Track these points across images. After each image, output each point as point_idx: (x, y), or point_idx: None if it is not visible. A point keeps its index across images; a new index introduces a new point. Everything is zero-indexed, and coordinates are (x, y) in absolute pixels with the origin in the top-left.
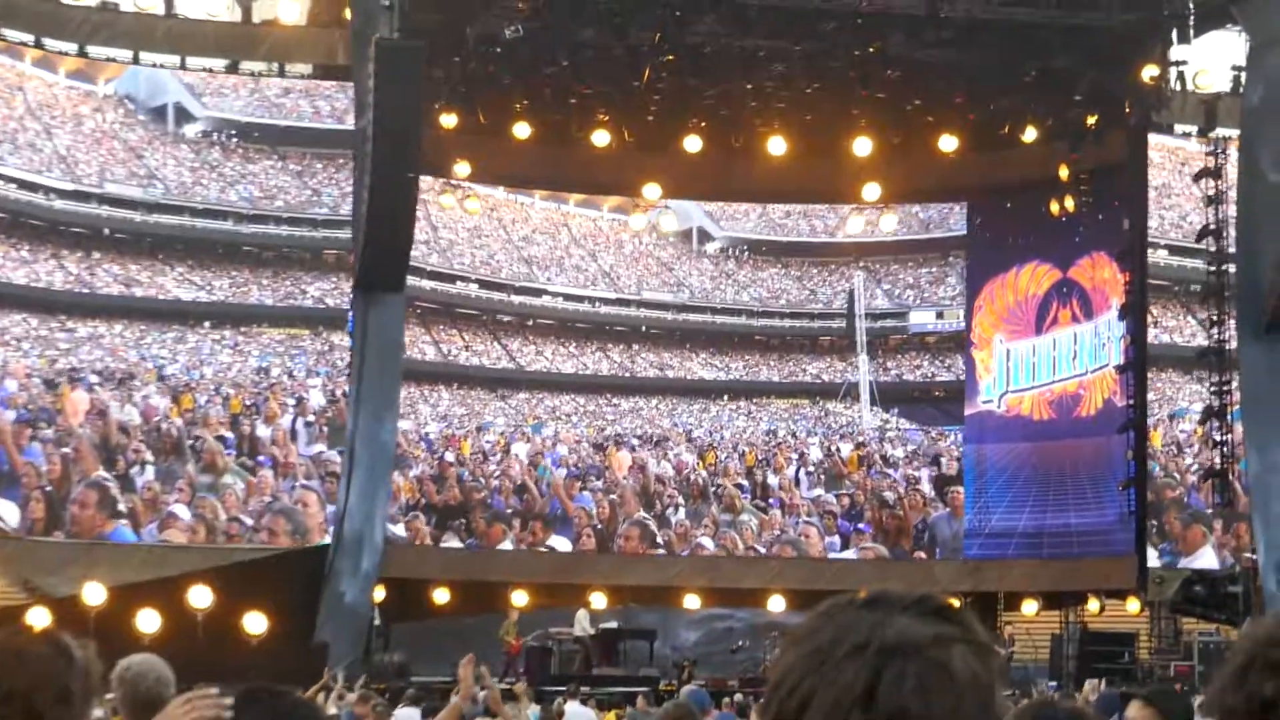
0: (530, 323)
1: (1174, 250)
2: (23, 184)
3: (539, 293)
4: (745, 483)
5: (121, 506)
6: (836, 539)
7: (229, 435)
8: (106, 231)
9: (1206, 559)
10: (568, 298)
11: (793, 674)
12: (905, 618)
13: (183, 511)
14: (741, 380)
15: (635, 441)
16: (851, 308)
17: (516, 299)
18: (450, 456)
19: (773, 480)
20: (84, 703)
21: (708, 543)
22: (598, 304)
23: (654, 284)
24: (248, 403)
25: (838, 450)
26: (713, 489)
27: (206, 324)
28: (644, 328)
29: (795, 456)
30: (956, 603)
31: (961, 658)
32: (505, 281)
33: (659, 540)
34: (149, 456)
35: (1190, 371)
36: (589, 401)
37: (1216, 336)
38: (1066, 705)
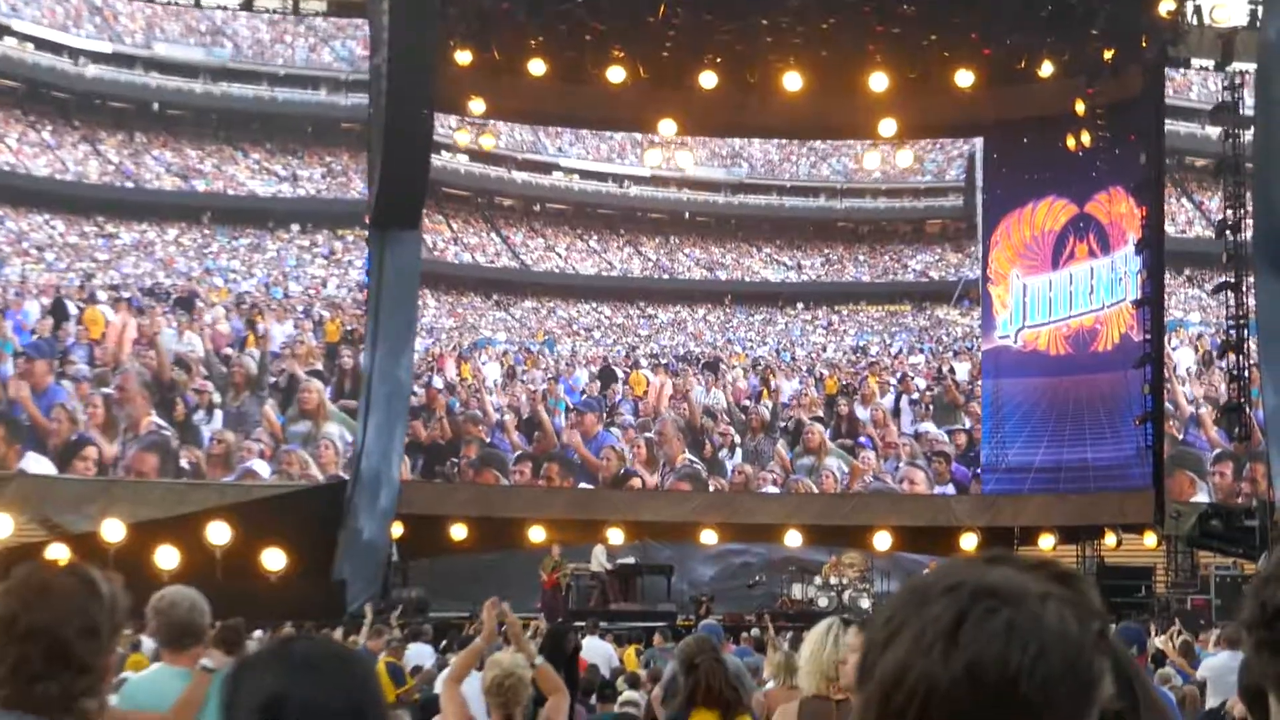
0: (538, 208)
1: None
2: (44, 44)
3: (549, 168)
4: (824, 415)
5: (184, 463)
6: (951, 487)
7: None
8: (156, 107)
9: None
10: (585, 175)
11: (890, 605)
12: (1015, 570)
13: (262, 468)
14: (819, 282)
15: (677, 363)
16: (970, 179)
17: (519, 176)
18: (438, 382)
19: (862, 413)
20: (111, 636)
21: (773, 491)
22: (626, 183)
23: (700, 155)
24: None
25: (951, 372)
26: (781, 423)
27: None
28: (687, 214)
29: (894, 381)
30: (1077, 571)
31: (1057, 613)
32: (504, 153)
33: (712, 490)
34: (215, 396)
35: (1181, 270)
36: (616, 312)
37: (1234, 270)
38: None
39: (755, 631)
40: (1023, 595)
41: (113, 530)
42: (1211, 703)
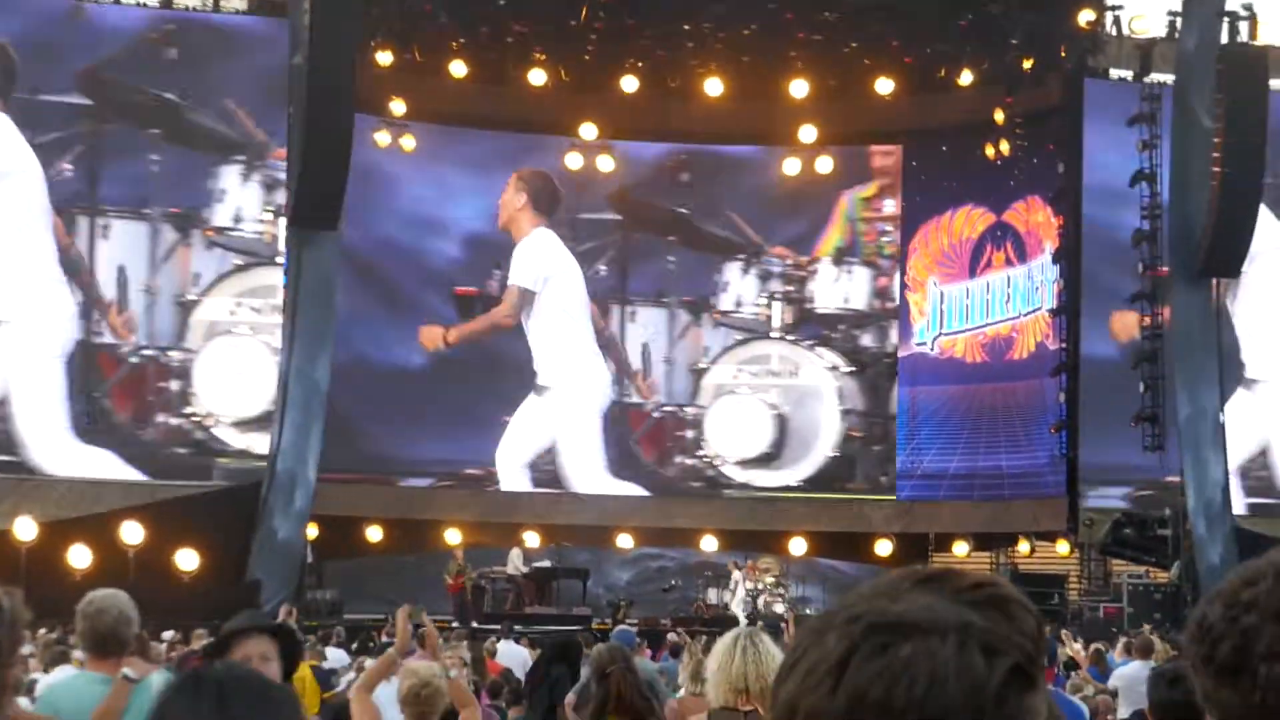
0: None
1: None
2: None
3: None
4: None
5: None
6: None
7: None
8: None
9: None
10: None
11: (799, 634)
12: (936, 598)
13: None
14: None
15: None
16: None
17: None
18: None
19: None
20: (10, 652)
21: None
22: None
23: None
24: None
25: None
26: None
27: None
28: None
29: None
30: (1019, 597)
31: (960, 649)
32: None
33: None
34: None
35: None
36: None
37: (1149, 280)
38: None
39: (673, 636)
40: (923, 629)
41: (25, 529)
42: (1123, 712)
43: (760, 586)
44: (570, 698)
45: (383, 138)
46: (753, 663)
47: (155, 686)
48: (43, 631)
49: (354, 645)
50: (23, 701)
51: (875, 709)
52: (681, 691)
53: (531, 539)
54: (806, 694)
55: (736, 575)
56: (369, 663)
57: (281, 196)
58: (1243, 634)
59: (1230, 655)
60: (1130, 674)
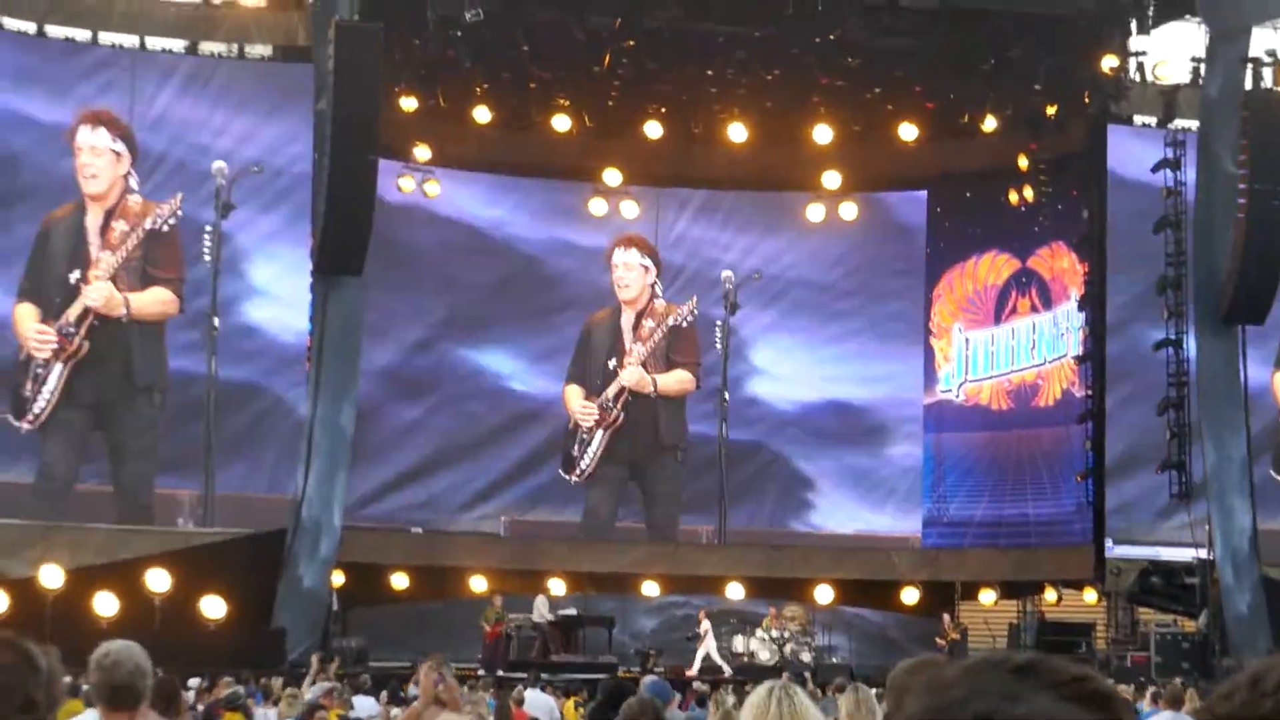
0: None
1: None
2: None
3: None
4: None
5: None
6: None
7: None
8: None
9: None
10: None
11: None
12: (1048, 695)
13: None
14: None
15: None
16: None
17: None
18: None
19: None
20: (48, 710)
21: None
22: None
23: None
24: None
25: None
26: None
27: None
28: None
29: None
30: (1114, 691)
31: None
32: None
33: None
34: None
35: None
36: None
37: (1175, 327)
38: None
39: (699, 685)
40: None
41: (51, 576)
42: None
43: (786, 635)
44: None
45: (407, 183)
46: (788, 715)
47: None
48: (66, 679)
49: (383, 694)
50: None
51: None
52: None
53: (557, 586)
54: None
55: (705, 625)
56: (396, 713)
57: None
58: None
59: None
60: None
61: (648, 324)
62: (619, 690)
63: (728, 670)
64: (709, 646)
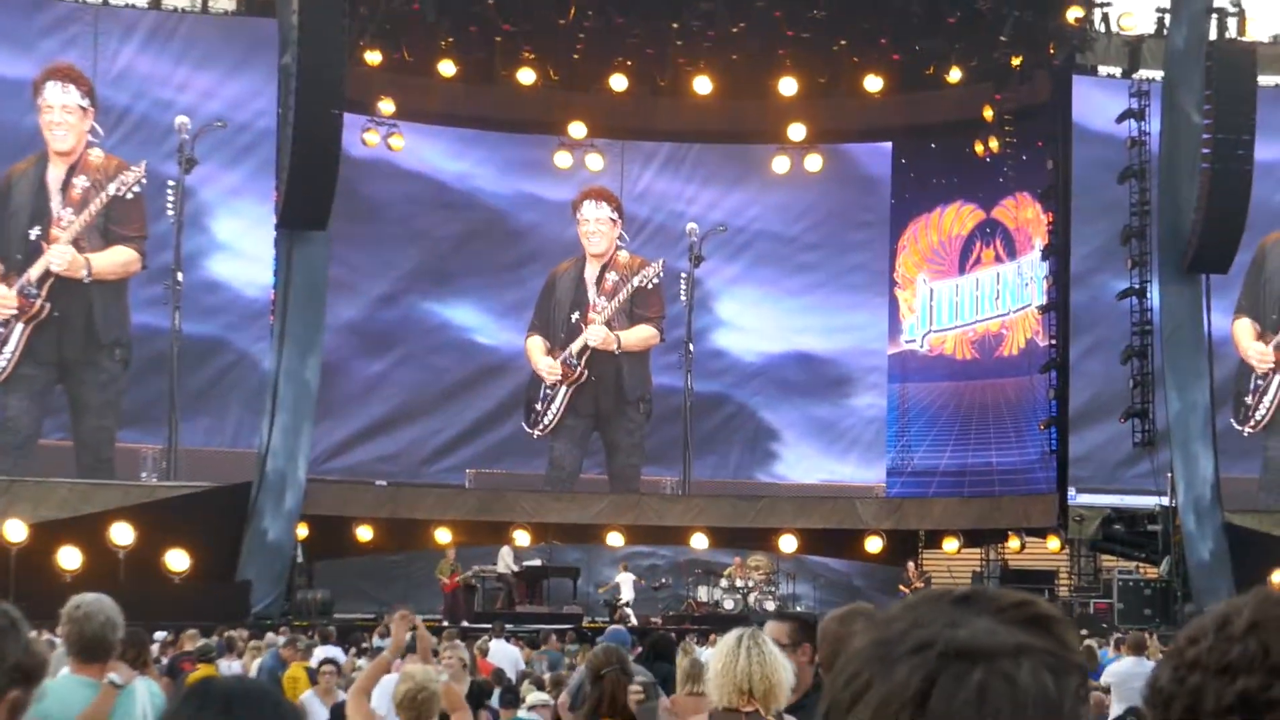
0: None
1: None
2: None
3: None
4: None
5: None
6: None
7: None
8: None
9: None
10: None
11: (854, 662)
12: (989, 620)
13: None
14: None
15: None
16: None
17: None
18: None
19: None
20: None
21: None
22: None
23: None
24: None
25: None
26: None
27: None
28: None
29: None
30: (1056, 613)
31: (1033, 672)
32: None
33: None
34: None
35: None
36: None
37: (1139, 276)
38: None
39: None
40: (995, 654)
41: (15, 530)
42: (1116, 710)
43: (750, 584)
44: (563, 698)
45: (372, 138)
46: (757, 663)
47: (140, 692)
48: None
49: (346, 646)
50: None
51: None
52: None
53: (522, 538)
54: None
55: (622, 577)
56: (362, 663)
57: None
58: (1190, 694)
59: (1182, 716)
60: (1123, 670)
61: (611, 276)
62: (662, 641)
63: (633, 621)
64: (625, 597)
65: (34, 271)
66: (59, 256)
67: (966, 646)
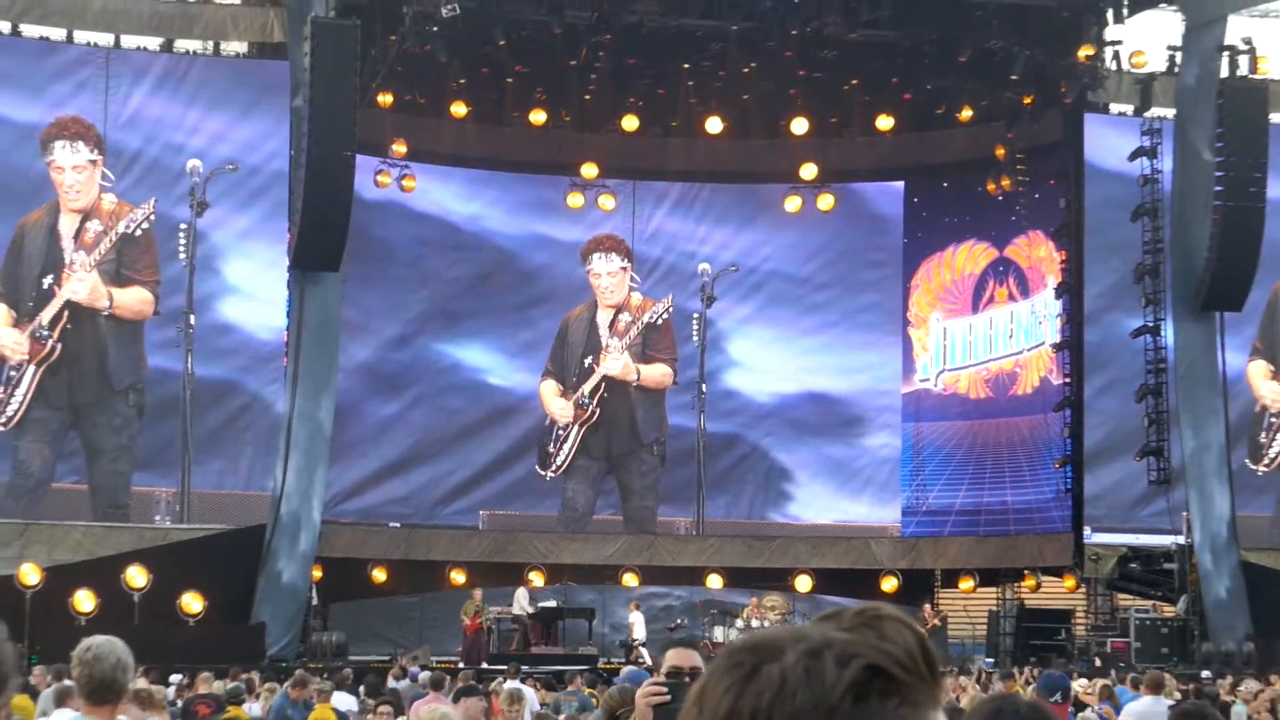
0: None
1: None
2: None
3: None
4: None
5: None
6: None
7: None
8: None
9: None
10: None
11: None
12: (814, 624)
13: None
14: None
15: None
16: None
17: None
18: None
19: None
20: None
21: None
22: None
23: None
24: None
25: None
26: None
27: None
28: None
29: None
30: (901, 619)
31: (811, 659)
32: None
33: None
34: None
35: None
36: None
37: (1153, 314)
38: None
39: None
40: (780, 647)
41: (30, 574)
42: None
43: (766, 624)
44: None
45: (384, 179)
46: None
47: None
48: (47, 678)
49: (361, 688)
50: None
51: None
52: None
53: (537, 579)
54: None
55: (634, 616)
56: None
57: None
58: None
59: None
60: (1141, 709)
61: (624, 318)
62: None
63: (648, 661)
64: (638, 636)
65: (46, 315)
66: (82, 286)
67: (754, 642)
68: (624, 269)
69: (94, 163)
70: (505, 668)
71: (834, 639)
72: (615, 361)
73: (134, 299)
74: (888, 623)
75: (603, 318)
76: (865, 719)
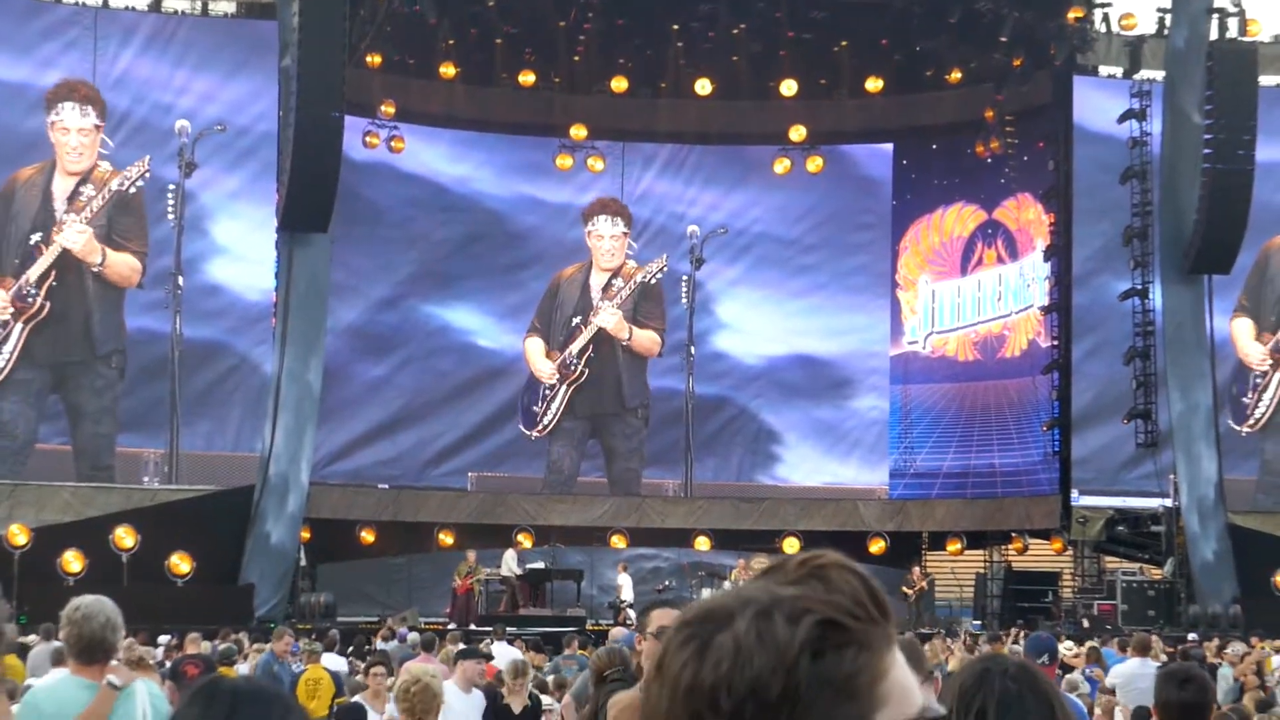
0: None
1: None
2: None
3: None
4: None
5: None
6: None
7: None
8: None
9: None
10: None
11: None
12: (767, 584)
13: None
14: None
15: None
16: None
17: None
18: None
19: None
20: None
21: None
22: None
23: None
24: None
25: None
26: None
27: None
28: None
29: None
30: (846, 565)
31: (763, 622)
32: None
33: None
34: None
35: None
36: None
37: (1141, 277)
38: (1015, 660)
39: None
40: (731, 612)
41: (18, 535)
42: (1126, 710)
43: None
44: (567, 699)
45: (372, 140)
46: None
47: (140, 693)
48: (33, 637)
49: (349, 649)
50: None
51: (690, 695)
52: None
53: (525, 540)
54: (647, 699)
55: (622, 578)
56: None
57: None
58: None
59: None
60: (1128, 671)
61: (617, 284)
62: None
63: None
64: (626, 598)
65: (34, 272)
66: (76, 236)
67: (703, 612)
68: (625, 234)
69: (98, 128)
70: (492, 629)
71: (781, 597)
72: (609, 316)
73: (123, 263)
74: (832, 570)
75: (596, 280)
76: (824, 673)
